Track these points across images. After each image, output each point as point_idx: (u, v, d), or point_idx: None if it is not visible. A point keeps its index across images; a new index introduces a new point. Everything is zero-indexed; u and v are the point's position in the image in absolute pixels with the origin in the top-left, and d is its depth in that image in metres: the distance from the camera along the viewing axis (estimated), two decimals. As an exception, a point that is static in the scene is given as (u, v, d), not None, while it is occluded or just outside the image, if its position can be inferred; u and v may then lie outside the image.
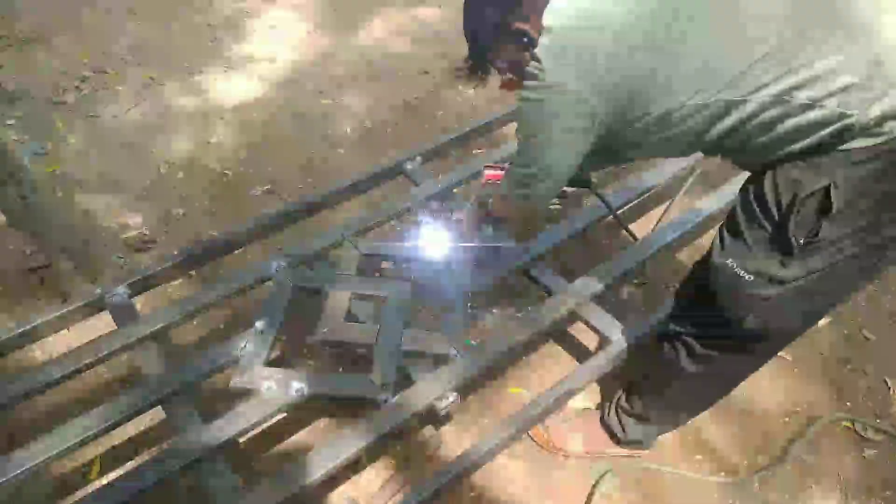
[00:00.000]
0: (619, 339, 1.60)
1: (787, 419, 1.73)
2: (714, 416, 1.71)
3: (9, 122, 2.73)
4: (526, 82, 1.12)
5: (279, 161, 2.60)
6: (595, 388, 1.78)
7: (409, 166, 2.07)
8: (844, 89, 0.97)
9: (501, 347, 1.53)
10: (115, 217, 2.32)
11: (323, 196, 1.97)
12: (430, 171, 2.10)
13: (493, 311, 1.94)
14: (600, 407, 1.70)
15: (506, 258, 1.75)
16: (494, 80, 1.28)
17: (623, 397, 1.58)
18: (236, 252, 1.93)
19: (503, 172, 1.57)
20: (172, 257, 1.79)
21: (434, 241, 1.74)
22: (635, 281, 2.07)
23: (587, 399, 1.76)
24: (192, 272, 2.01)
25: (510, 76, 1.23)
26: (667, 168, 2.07)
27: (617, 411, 1.59)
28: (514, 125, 2.63)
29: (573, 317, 1.67)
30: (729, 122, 1.06)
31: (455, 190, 2.02)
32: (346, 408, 1.70)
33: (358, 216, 1.90)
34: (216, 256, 1.86)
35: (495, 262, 1.74)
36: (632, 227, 1.92)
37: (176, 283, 2.01)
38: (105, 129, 2.76)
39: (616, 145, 1.23)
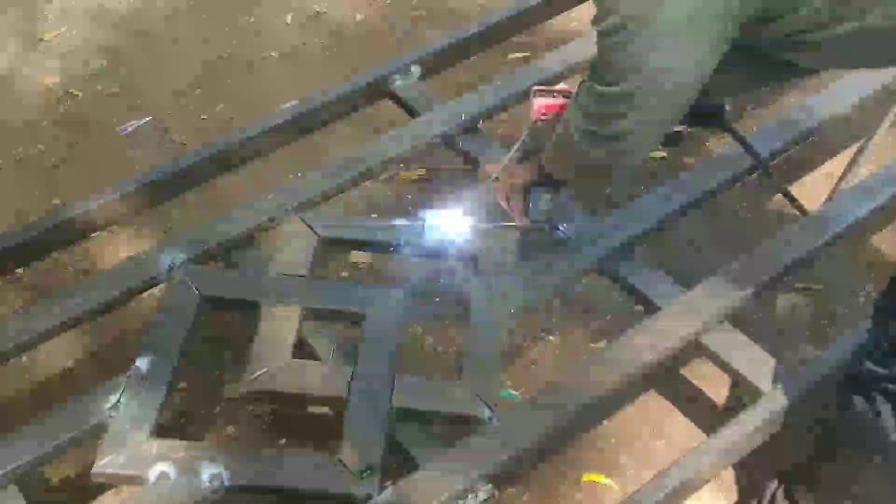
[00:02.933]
0: (775, 391, 1.59)
1: None
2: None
3: None
4: None
5: (165, 74, 2.56)
6: (730, 474, 1.78)
7: (399, 82, 2.07)
8: None
9: (571, 404, 1.53)
10: None
11: (245, 137, 1.97)
12: (436, 92, 2.08)
13: (551, 338, 1.93)
14: (740, 509, 1.72)
15: (572, 247, 1.75)
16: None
17: (780, 492, 1.60)
18: (96, 236, 1.94)
19: (567, 100, 1.57)
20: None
21: (445, 218, 1.74)
22: (800, 286, 2.08)
23: (718, 495, 1.77)
24: (20, 270, 2.00)
25: None
26: (850, 90, 2.06)
27: (770, 516, 1.62)
28: (578, 13, 2.65)
29: (694, 349, 1.67)
30: None
31: (480, 125, 2.02)
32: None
33: (311, 173, 1.90)
34: (61, 245, 1.86)
35: (553, 253, 1.74)
36: (793, 190, 1.91)
37: (-10, 289, 2.01)
38: None
39: (770, 47, 1.22)
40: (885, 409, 1.34)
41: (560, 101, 1.62)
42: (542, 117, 1.63)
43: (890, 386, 1.33)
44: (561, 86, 1.73)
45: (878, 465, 1.39)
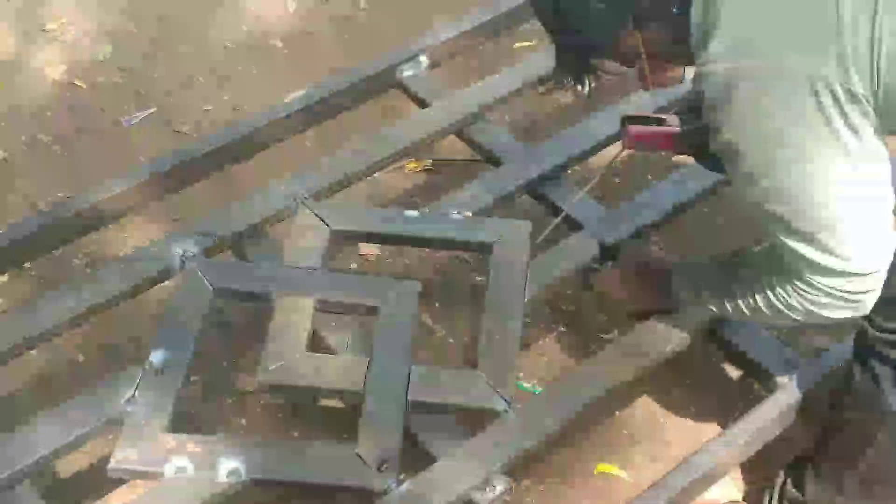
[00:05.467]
0: (791, 381, 1.57)
1: None
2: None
3: None
4: (702, 71, 1.15)
5: (170, 62, 2.56)
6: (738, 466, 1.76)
7: (407, 72, 2.06)
8: None
9: (586, 395, 1.53)
10: None
11: (254, 128, 1.95)
12: (446, 82, 2.07)
13: (561, 328, 1.93)
14: (754, 499, 1.72)
15: (584, 234, 1.74)
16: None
17: (790, 481, 1.61)
18: (106, 228, 1.92)
19: (666, 128, 1.57)
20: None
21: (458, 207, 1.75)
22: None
23: (731, 485, 1.75)
24: (27, 265, 1.99)
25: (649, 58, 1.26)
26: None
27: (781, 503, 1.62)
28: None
29: (708, 339, 1.66)
30: None
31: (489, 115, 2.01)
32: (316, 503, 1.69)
33: (321, 164, 1.89)
34: (71, 237, 1.85)
35: (565, 241, 1.74)
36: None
37: (-5, 282, 2.00)
38: None
39: None
40: (883, 378, 1.34)
41: (659, 129, 1.61)
42: (638, 144, 1.63)
43: (890, 353, 1.33)
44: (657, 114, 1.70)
45: (879, 436, 1.39)
